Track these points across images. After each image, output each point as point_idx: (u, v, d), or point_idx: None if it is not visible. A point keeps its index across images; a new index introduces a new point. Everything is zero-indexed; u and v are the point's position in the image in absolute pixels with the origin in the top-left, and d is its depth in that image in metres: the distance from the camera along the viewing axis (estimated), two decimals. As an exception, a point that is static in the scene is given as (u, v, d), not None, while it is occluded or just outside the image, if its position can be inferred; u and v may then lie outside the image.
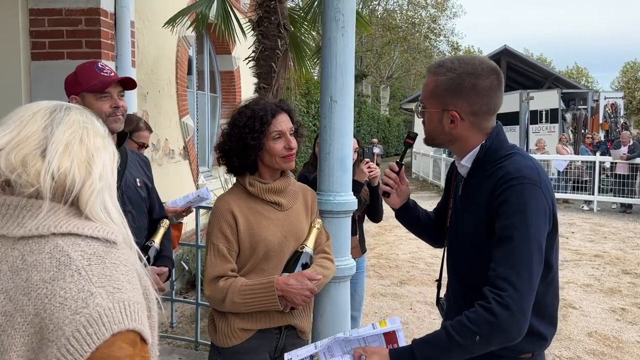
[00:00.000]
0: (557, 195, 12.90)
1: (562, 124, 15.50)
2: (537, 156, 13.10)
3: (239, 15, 5.65)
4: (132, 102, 4.18)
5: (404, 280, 6.64)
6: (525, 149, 15.16)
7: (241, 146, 2.01)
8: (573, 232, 9.77)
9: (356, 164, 3.71)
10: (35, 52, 3.86)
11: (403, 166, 1.96)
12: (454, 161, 1.87)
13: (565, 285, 6.22)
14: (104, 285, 0.98)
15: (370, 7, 28.06)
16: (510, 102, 16.36)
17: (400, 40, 28.05)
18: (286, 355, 1.66)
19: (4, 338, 0.96)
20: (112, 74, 2.21)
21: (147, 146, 3.43)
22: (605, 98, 17.59)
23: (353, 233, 3.73)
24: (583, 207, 12.54)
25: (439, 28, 30.56)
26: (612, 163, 12.36)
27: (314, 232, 2.12)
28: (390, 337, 1.62)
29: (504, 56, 20.08)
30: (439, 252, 2.00)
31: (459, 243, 1.75)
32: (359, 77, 29.87)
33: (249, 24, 5.09)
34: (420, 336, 1.55)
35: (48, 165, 1.03)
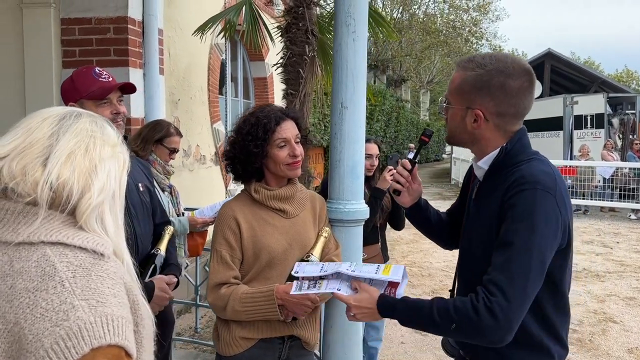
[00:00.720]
0: (603, 204, 12.44)
1: (608, 129, 14.93)
2: (581, 163, 12.66)
3: (271, 21, 5.68)
4: (160, 108, 4.24)
5: (436, 289, 6.49)
6: (569, 155, 14.70)
7: (244, 154, 1.99)
8: (618, 242, 9.36)
9: (377, 170, 3.65)
10: (66, 60, 3.96)
11: (416, 164, 1.90)
12: (469, 169, 1.79)
13: (607, 298, 5.95)
14: (87, 299, 0.96)
15: (410, 11, 27.84)
16: (553, 106, 15.90)
17: (440, 44, 27.69)
18: (295, 266, 1.78)
19: None
20: (110, 79, 2.19)
21: (178, 151, 3.44)
22: (656, 102, 16.87)
23: (375, 241, 3.69)
24: (630, 215, 12.01)
25: (481, 31, 30.02)
26: (661, 170, 11.82)
27: (321, 240, 2.08)
28: (393, 283, 1.63)
29: (548, 59, 19.54)
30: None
31: (470, 249, 1.67)
32: (398, 82, 29.65)
33: (277, 30, 5.10)
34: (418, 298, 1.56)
35: (47, 176, 1.02)
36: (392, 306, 1.53)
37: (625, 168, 12.39)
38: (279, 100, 7.32)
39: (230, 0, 6.18)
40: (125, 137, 2.29)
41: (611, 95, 16.13)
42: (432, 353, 4.53)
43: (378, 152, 3.62)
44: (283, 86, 5.06)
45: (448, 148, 29.52)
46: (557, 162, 13.56)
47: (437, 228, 1.96)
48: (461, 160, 19.45)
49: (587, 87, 20.33)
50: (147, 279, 2.23)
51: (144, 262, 2.28)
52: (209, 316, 5.14)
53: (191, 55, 5.60)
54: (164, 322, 3.29)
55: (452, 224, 1.92)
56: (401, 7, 27.43)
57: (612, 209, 12.62)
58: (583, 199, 12.46)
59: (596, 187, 12.52)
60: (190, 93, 5.65)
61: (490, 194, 1.56)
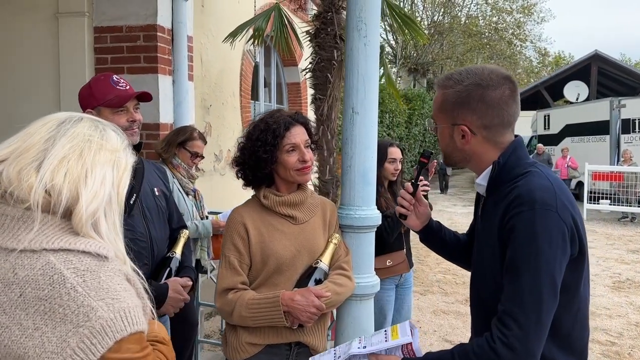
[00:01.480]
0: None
1: (658, 133, 14.31)
2: (627, 169, 12.18)
3: (303, 26, 5.70)
4: (189, 114, 4.32)
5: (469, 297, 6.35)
6: (616, 161, 14.16)
7: (254, 159, 1.99)
8: (666, 252, 8.95)
9: (399, 175, 3.61)
10: (98, 67, 4.09)
11: (419, 187, 1.86)
12: None
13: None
14: (103, 298, 1.03)
15: (452, 14, 27.47)
16: (599, 110, 15.37)
17: (482, 46, 27.20)
18: None
19: (0, 348, 1.00)
20: (128, 87, 2.22)
21: (202, 156, 3.48)
22: None
23: (400, 247, 3.64)
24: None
25: (525, 34, 29.31)
26: None
27: (331, 247, 2.06)
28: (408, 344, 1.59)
29: (595, 61, 18.92)
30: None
31: (481, 268, 1.63)
32: (439, 86, 29.22)
33: (307, 35, 5.12)
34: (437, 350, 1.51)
35: (40, 181, 1.05)
36: None
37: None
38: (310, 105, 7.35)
39: (264, 6, 6.24)
40: (140, 144, 2.35)
41: (662, 97, 15.48)
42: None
43: (402, 157, 3.59)
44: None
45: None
46: (602, 167, 13.11)
47: (454, 249, 1.91)
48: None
49: (637, 89, 19.56)
50: (162, 281, 2.27)
51: (159, 264, 2.33)
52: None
53: (223, 61, 5.69)
54: (186, 323, 3.34)
55: (471, 244, 1.85)
56: (442, 10, 27.09)
57: (661, 217, 12.10)
58: (629, 206, 11.98)
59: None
60: (222, 99, 5.73)
61: (492, 211, 1.53)
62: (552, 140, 17.68)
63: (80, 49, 4.08)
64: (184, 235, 2.44)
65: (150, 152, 3.61)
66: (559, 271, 1.38)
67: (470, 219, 1.91)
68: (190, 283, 2.34)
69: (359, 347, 1.61)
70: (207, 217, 3.48)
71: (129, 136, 2.21)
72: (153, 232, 2.29)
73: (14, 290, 1.02)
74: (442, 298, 6.33)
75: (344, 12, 5.15)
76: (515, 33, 28.49)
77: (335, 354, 1.68)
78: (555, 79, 21.98)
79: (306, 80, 7.71)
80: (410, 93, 20.26)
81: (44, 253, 1.04)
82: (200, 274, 3.66)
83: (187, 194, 3.36)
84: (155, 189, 2.40)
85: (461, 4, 27.77)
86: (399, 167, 3.58)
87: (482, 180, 1.59)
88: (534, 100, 22.65)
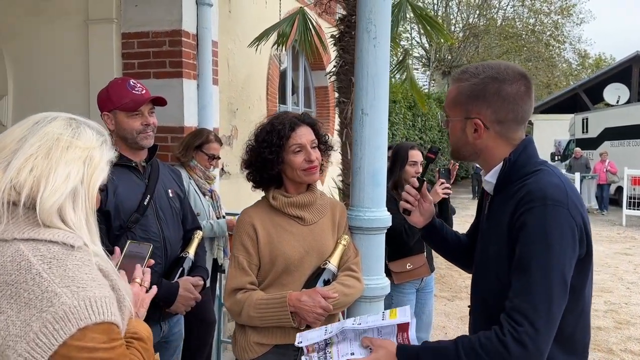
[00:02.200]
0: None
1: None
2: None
3: (331, 30, 5.72)
4: (213, 118, 4.39)
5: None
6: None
7: (260, 161, 2.02)
8: None
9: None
10: (126, 72, 4.19)
11: (425, 182, 1.85)
12: None
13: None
14: (68, 286, 1.06)
15: (488, 16, 27.07)
16: (638, 113, 14.89)
17: (519, 48, 26.69)
18: (297, 337, 1.65)
19: None
20: (144, 91, 2.28)
21: (219, 157, 3.55)
22: None
23: (420, 250, 3.60)
24: None
25: (563, 35, 28.63)
26: None
27: (340, 248, 2.07)
28: (403, 326, 1.56)
29: (636, 63, 18.40)
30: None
31: (484, 268, 1.60)
32: (475, 89, 28.82)
33: (332, 39, 5.14)
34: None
35: (7, 180, 1.12)
36: (415, 353, 1.46)
37: None
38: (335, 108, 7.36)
39: (290, 11, 6.29)
40: (155, 147, 2.40)
41: None
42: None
43: (422, 160, 3.56)
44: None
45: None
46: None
47: (455, 249, 1.90)
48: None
49: (681, 91, 18.89)
50: (174, 281, 2.31)
51: (172, 264, 2.37)
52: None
53: (250, 66, 5.76)
54: (204, 322, 3.39)
55: (471, 246, 1.84)
56: (477, 12, 26.73)
57: None
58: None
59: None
60: (248, 102, 5.80)
61: (501, 209, 1.50)
62: (590, 144, 17.21)
63: (109, 55, 4.20)
64: (198, 236, 2.48)
65: (168, 155, 3.69)
66: (568, 268, 1.36)
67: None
68: (202, 282, 2.38)
69: (353, 323, 1.59)
70: (223, 217, 3.53)
71: (143, 139, 2.27)
72: (166, 232, 2.34)
73: None
74: (463, 302, 6.23)
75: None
76: (553, 35, 27.86)
77: (326, 330, 1.64)
78: (594, 82, 21.42)
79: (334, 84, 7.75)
80: (444, 96, 20.04)
81: (14, 242, 1.09)
82: (219, 273, 3.71)
83: (204, 195, 3.42)
84: (170, 191, 2.44)
85: (497, 5, 27.36)
86: (420, 169, 3.56)
87: (491, 177, 1.56)
88: (572, 104, 22.10)
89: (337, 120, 5.60)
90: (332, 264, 2.03)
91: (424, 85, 25.52)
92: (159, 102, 2.34)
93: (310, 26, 4.92)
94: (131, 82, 2.30)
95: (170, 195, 2.43)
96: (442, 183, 3.37)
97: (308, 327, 1.96)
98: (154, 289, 1.58)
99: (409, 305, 1.64)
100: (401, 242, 3.41)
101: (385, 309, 3.57)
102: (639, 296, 6.58)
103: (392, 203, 3.44)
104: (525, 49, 27.22)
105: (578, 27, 34.61)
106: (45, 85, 4.42)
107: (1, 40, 4.54)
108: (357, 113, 2.18)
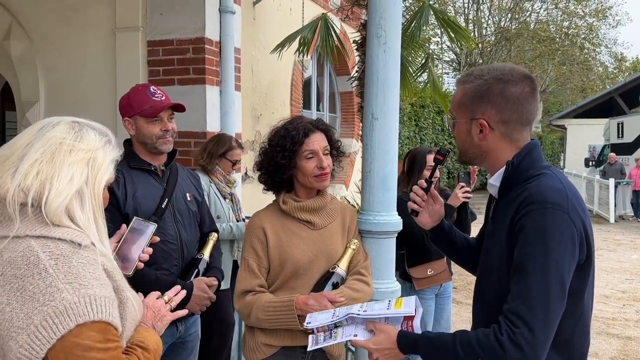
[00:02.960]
0: None
1: None
2: None
3: (355, 35, 5.75)
4: (235, 123, 4.47)
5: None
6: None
7: (273, 165, 2.05)
8: None
9: (438, 182, 3.56)
10: (151, 79, 4.30)
11: (433, 183, 1.85)
12: None
13: None
14: (71, 282, 1.11)
15: (521, 19, 26.65)
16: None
17: (552, 52, 26.18)
18: (307, 318, 1.73)
19: None
20: (164, 98, 2.33)
21: (240, 162, 3.63)
22: None
23: (440, 256, 3.58)
24: None
25: (599, 38, 27.95)
26: None
27: (349, 252, 2.08)
28: (409, 317, 1.60)
29: (675, 65, 17.76)
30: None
31: (487, 270, 1.60)
32: (506, 93, 28.38)
33: (354, 44, 5.16)
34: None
35: (16, 184, 1.18)
36: (414, 342, 1.50)
37: None
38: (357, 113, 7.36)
39: (314, 17, 6.35)
40: (174, 152, 2.46)
41: None
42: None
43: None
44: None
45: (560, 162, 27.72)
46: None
47: (464, 252, 1.89)
48: (573, 175, 18.22)
49: None
50: (189, 281, 2.37)
51: (188, 265, 2.43)
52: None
53: (274, 72, 5.83)
54: (223, 323, 3.44)
55: (480, 249, 1.83)
56: (509, 15, 26.34)
57: None
58: None
59: None
60: (272, 108, 5.86)
61: (504, 212, 1.51)
62: (626, 149, 16.75)
63: (135, 62, 4.32)
64: (213, 238, 2.53)
65: (190, 160, 3.76)
66: (567, 272, 1.36)
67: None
68: (216, 283, 2.43)
69: (358, 310, 1.62)
70: (243, 220, 3.58)
71: (162, 144, 2.33)
72: (183, 234, 2.39)
73: None
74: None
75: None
76: (587, 37, 27.25)
77: (334, 313, 1.70)
78: (631, 85, 20.85)
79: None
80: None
81: (27, 239, 1.15)
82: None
83: (224, 198, 3.49)
84: (188, 195, 2.49)
85: (530, 9, 26.91)
86: (438, 174, 3.54)
87: (495, 180, 1.57)
88: (607, 108, 21.55)
89: (361, 125, 5.62)
90: (341, 268, 2.05)
91: (454, 89, 25.21)
92: (178, 108, 2.40)
93: (333, 32, 4.95)
94: (151, 89, 2.35)
95: (188, 198, 2.48)
96: (463, 187, 3.35)
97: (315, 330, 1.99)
98: (181, 312, 1.58)
99: (414, 297, 1.65)
100: (422, 248, 3.40)
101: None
102: (673, 306, 6.37)
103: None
104: (559, 52, 26.69)
105: (614, 29, 33.73)
106: (75, 92, 4.57)
107: (35, 50, 4.72)
108: (367, 117, 2.19)
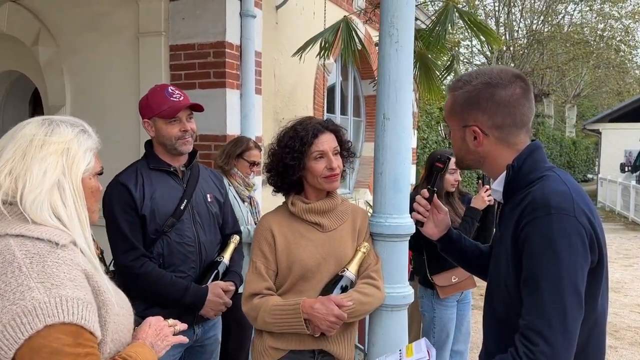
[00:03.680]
0: None
1: None
2: None
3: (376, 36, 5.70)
4: (256, 126, 4.47)
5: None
6: None
7: (281, 166, 2.02)
8: None
9: (457, 186, 3.48)
10: (173, 83, 4.33)
11: (435, 192, 1.79)
12: None
13: None
14: (43, 281, 1.08)
15: (554, 22, 26.11)
16: None
17: (587, 54, 25.55)
18: None
19: None
20: (182, 98, 2.31)
21: (258, 164, 3.61)
22: None
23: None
24: None
25: (636, 40, 27.15)
26: None
27: (359, 255, 2.04)
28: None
29: None
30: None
31: (496, 277, 1.54)
32: (539, 96, 27.89)
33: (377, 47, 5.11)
34: None
35: None
36: None
37: None
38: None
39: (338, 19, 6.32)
40: (194, 152, 2.45)
41: None
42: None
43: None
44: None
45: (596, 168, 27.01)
46: None
47: (475, 261, 1.83)
48: (608, 181, 17.73)
49: None
50: (204, 285, 2.34)
51: (207, 268, 2.40)
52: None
53: (296, 75, 5.82)
54: (241, 326, 3.41)
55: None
56: (542, 17, 25.83)
57: None
58: None
59: None
60: (295, 112, 5.85)
61: (509, 217, 1.45)
62: (664, 154, 16.21)
63: (158, 66, 4.36)
64: (234, 241, 2.50)
65: (211, 162, 3.76)
66: (581, 279, 1.29)
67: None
68: (233, 288, 2.39)
69: None
70: (262, 224, 3.56)
71: (182, 145, 2.31)
72: (202, 236, 2.37)
73: None
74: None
75: (414, 23, 5.09)
76: (623, 40, 26.51)
77: None
78: (669, 88, 20.17)
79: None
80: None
81: (6, 237, 1.14)
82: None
83: (243, 201, 3.48)
84: (208, 195, 2.47)
85: (563, 11, 26.36)
86: (459, 177, 3.47)
87: (498, 185, 1.52)
88: (644, 111, 20.92)
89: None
90: (350, 271, 2.01)
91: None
92: (197, 108, 2.38)
93: (355, 35, 4.91)
94: (169, 89, 2.34)
95: (209, 200, 2.45)
96: (488, 189, 3.27)
97: (322, 334, 1.95)
98: (180, 337, 1.53)
99: (424, 339, 1.61)
100: (446, 255, 3.33)
101: (428, 323, 3.51)
102: None
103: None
104: (593, 55, 26.05)
105: (652, 31, 32.66)
106: (100, 96, 4.64)
107: (61, 55, 4.82)
108: (379, 118, 2.15)
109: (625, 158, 20.41)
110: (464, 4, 20.15)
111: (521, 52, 25.27)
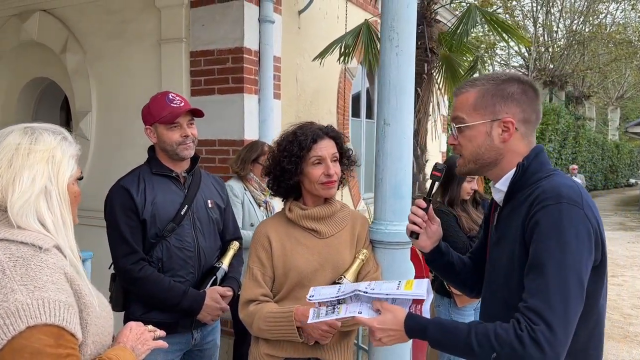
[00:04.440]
0: None
1: None
2: None
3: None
4: (274, 131, 4.47)
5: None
6: None
7: (279, 170, 2.01)
8: None
9: (474, 194, 3.40)
10: (193, 89, 4.39)
11: (431, 202, 1.74)
12: (492, 199, 1.63)
13: None
14: (26, 284, 1.12)
15: (595, 22, 25.35)
16: None
17: (630, 55, 24.68)
18: (311, 291, 1.65)
19: None
20: (182, 103, 2.33)
21: None
22: None
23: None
24: None
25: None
26: None
27: (357, 263, 2.00)
28: (418, 301, 1.52)
29: None
30: None
31: (495, 281, 1.52)
32: (579, 99, 27.11)
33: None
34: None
35: None
36: (423, 327, 1.42)
37: None
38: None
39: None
40: (196, 157, 2.47)
41: None
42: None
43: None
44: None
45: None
46: None
47: (459, 273, 1.78)
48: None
49: None
50: (202, 290, 2.35)
51: (205, 274, 2.41)
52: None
53: (319, 80, 5.81)
54: (244, 330, 3.42)
55: (475, 267, 1.75)
56: (582, 18, 25.10)
57: None
58: None
59: None
60: (318, 116, 5.83)
61: (512, 217, 1.45)
62: None
63: (179, 72, 4.42)
64: (234, 247, 2.50)
65: (229, 167, 3.79)
66: (585, 270, 1.29)
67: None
68: (230, 293, 2.39)
69: (366, 288, 1.54)
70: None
71: (183, 150, 2.33)
72: (201, 242, 2.38)
73: None
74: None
75: (437, 25, 5.02)
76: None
77: (340, 289, 1.63)
78: None
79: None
80: (544, 107, 19.03)
81: None
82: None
83: (259, 206, 3.48)
84: (209, 201, 2.48)
85: (604, 11, 25.56)
86: (475, 186, 3.39)
87: (502, 185, 1.51)
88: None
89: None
90: (348, 279, 1.97)
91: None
92: (197, 113, 2.40)
93: (376, 38, 4.87)
94: (170, 96, 2.36)
95: (210, 205, 2.46)
96: None
97: (317, 343, 1.92)
98: (160, 342, 1.53)
99: (427, 280, 1.54)
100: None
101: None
102: None
103: (452, 220, 3.29)
104: (637, 55, 25.16)
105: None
106: (125, 102, 4.73)
107: (87, 61, 4.94)
108: (379, 123, 2.13)
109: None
110: (500, 4, 19.78)
111: (560, 53, 24.63)
